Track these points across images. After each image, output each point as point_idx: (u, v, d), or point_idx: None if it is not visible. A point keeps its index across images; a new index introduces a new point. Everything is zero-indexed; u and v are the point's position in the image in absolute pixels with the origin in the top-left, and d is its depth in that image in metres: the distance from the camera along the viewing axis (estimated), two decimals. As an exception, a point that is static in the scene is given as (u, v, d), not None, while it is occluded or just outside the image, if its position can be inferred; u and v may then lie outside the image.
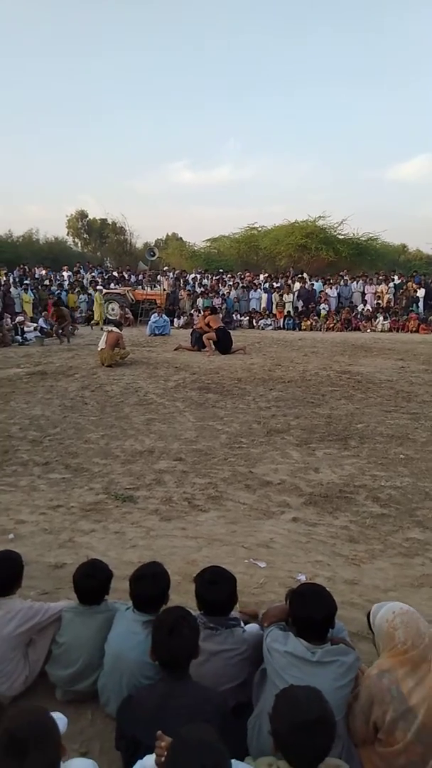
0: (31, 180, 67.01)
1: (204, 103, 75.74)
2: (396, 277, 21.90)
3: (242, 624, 2.37)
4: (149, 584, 2.34)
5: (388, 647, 1.96)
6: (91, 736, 2.24)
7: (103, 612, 2.47)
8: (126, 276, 23.95)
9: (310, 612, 2.05)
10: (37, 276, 23.22)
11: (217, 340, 12.62)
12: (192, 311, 19.85)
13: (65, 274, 23.98)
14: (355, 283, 21.86)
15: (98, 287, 20.09)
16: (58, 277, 23.79)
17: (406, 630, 1.93)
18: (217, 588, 2.26)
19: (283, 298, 20.62)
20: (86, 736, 2.24)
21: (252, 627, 2.37)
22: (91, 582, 2.48)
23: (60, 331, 14.67)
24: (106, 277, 23.89)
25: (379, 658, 1.97)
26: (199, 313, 17.11)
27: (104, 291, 19.95)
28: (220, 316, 15.37)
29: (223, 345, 12.66)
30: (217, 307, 17.34)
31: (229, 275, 24.14)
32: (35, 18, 71.68)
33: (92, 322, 18.29)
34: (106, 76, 74.96)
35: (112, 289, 20.63)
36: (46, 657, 2.48)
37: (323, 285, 21.77)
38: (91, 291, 21.17)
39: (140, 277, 23.56)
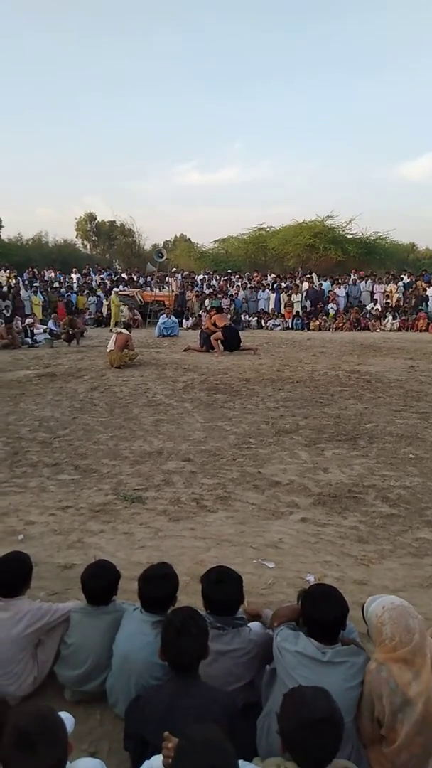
0: (39, 183, 67.54)
1: (210, 104, 75.89)
2: (405, 276, 21.76)
3: (247, 623, 2.36)
4: (158, 585, 2.34)
5: (377, 641, 1.95)
6: (100, 736, 2.25)
7: (111, 612, 2.47)
8: (134, 278, 24.03)
9: (322, 613, 2.05)
10: (46, 278, 23.38)
11: (224, 339, 12.62)
12: (201, 312, 19.86)
13: (74, 276, 24.12)
14: (363, 282, 21.76)
15: (114, 289, 20.07)
16: (67, 280, 23.93)
17: (393, 626, 1.91)
18: (223, 587, 2.26)
19: (292, 298, 20.58)
20: (95, 736, 2.25)
21: (255, 625, 2.36)
22: (99, 583, 2.49)
23: (70, 333, 14.61)
24: (114, 278, 23.98)
25: (376, 655, 1.97)
26: (207, 314, 17.12)
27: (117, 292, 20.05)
28: (227, 315, 15.35)
29: (231, 343, 12.67)
30: (224, 307, 17.31)
31: (237, 276, 24.13)
32: (35, 19, 72.22)
33: (113, 327, 17.28)
34: (111, 77, 75.35)
35: (120, 290, 20.70)
36: (54, 658, 2.49)
37: (332, 285, 21.70)
38: (100, 293, 21.28)
39: (149, 278, 23.63)
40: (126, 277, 24.23)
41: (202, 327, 14.60)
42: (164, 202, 70.01)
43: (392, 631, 1.90)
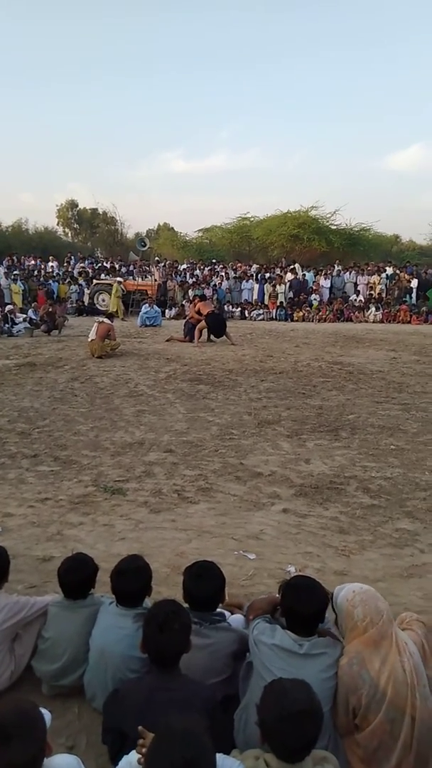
0: (20, 168, 66.22)
1: (198, 92, 75.19)
2: (389, 268, 21.87)
3: (226, 616, 2.35)
4: (131, 579, 2.31)
5: (348, 626, 1.99)
6: (78, 730, 2.23)
7: (88, 606, 2.43)
8: (117, 266, 23.73)
9: (303, 605, 2.04)
10: (25, 266, 22.94)
11: (208, 327, 12.54)
12: (183, 302, 19.74)
13: (52, 264, 23.72)
14: (347, 273, 21.83)
15: (117, 279, 19.65)
16: (47, 267, 23.53)
17: (365, 607, 1.97)
18: (203, 582, 2.24)
19: (276, 289, 20.56)
20: (73, 730, 2.23)
21: (236, 618, 2.35)
22: (76, 576, 2.45)
23: (49, 313, 14.26)
24: (96, 267, 23.65)
25: (345, 644, 2.00)
26: (191, 303, 16.98)
27: (95, 282, 19.75)
28: (211, 303, 15.26)
29: (215, 330, 12.60)
30: (207, 297, 17.21)
31: (221, 266, 24.00)
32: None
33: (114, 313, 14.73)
34: (99, 61, 73.94)
35: (102, 279, 20.42)
36: (31, 652, 2.45)
37: (315, 276, 21.72)
38: (81, 281, 20.96)
39: (131, 267, 23.35)
40: (108, 265, 23.90)
41: (187, 317, 14.49)
42: (148, 190, 69.46)
43: (363, 611, 1.95)
